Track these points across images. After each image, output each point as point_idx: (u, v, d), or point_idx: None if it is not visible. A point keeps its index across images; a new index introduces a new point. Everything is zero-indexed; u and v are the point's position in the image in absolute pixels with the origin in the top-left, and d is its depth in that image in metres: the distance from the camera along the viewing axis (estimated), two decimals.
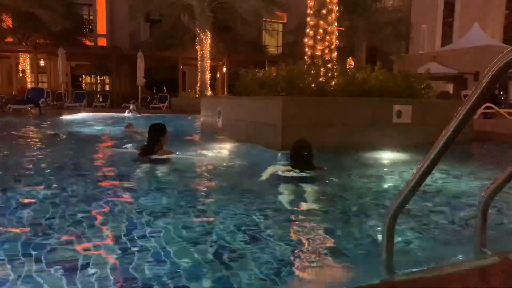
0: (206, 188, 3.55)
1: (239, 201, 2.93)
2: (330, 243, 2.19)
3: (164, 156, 4.47)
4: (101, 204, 2.72)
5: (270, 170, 3.80)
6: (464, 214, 2.71)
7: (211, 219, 2.48)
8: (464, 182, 3.86)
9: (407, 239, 2.16)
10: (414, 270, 1.60)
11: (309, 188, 3.42)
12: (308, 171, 3.73)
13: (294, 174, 3.67)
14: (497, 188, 1.70)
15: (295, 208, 2.81)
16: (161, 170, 4.18)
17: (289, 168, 3.76)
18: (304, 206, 2.87)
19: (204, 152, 5.39)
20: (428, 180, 1.42)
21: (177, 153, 4.69)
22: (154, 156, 4.41)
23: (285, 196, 3.19)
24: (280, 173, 3.74)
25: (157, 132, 4.52)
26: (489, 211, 1.77)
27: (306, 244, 2.16)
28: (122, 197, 3.02)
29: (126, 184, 3.45)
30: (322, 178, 3.77)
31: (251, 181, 3.66)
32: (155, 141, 4.47)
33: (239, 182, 3.74)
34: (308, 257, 1.98)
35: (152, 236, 2.09)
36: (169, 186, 3.44)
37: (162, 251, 1.90)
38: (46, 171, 4.10)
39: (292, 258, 1.93)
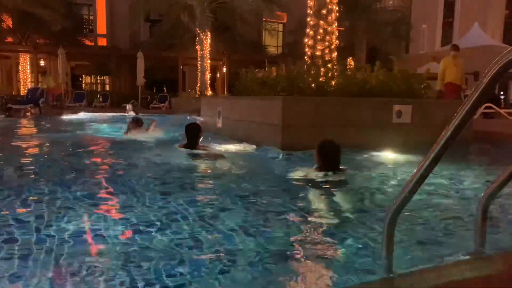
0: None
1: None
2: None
3: (202, 151, 5.09)
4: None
5: (298, 173, 3.74)
6: (463, 214, 2.71)
7: None
8: (463, 182, 3.86)
9: (407, 239, 2.16)
10: (414, 270, 1.60)
11: (345, 190, 3.41)
12: (335, 172, 3.65)
13: (324, 177, 3.61)
14: (497, 188, 1.70)
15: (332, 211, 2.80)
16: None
17: (317, 171, 3.65)
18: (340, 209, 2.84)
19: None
20: (427, 180, 1.42)
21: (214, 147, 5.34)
22: (195, 151, 5.03)
23: (321, 199, 3.15)
24: (311, 176, 3.66)
25: (197, 131, 5.20)
26: (489, 211, 1.77)
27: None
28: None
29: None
30: (352, 180, 3.74)
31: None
32: (196, 138, 5.12)
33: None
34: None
35: None
36: None
37: None
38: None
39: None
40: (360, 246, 2.09)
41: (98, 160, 5.16)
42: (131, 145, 6.03)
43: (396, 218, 1.51)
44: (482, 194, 1.75)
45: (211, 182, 3.81)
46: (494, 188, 1.71)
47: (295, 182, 3.66)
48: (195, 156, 4.92)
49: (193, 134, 5.13)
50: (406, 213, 2.51)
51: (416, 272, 1.57)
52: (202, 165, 4.73)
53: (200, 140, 5.21)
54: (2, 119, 12.33)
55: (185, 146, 5.11)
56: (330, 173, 3.60)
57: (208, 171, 4.50)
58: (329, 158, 3.64)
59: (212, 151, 5.24)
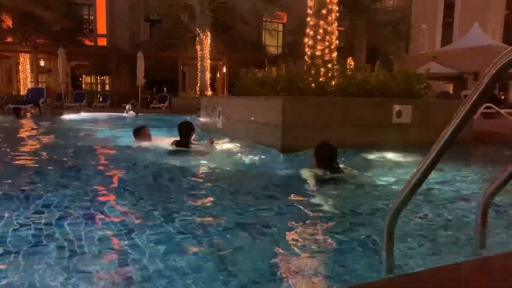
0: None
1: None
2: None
3: (195, 149, 5.25)
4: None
5: (305, 173, 3.73)
6: (463, 215, 2.71)
7: None
8: (463, 182, 3.86)
9: (407, 239, 2.16)
10: (414, 270, 1.60)
11: (344, 190, 3.41)
12: (334, 172, 3.67)
13: (322, 176, 3.61)
14: (497, 188, 1.70)
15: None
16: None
17: (320, 171, 3.67)
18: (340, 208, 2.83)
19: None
20: (427, 180, 1.42)
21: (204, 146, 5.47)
22: (189, 149, 5.20)
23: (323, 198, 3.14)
24: (309, 176, 3.65)
25: (190, 130, 5.38)
26: (489, 211, 1.77)
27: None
28: None
29: None
30: (351, 179, 3.72)
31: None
32: (188, 136, 5.29)
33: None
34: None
35: None
36: None
37: None
38: None
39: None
40: (359, 245, 2.09)
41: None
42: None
43: (397, 218, 1.50)
44: (482, 194, 1.75)
45: (201, 181, 3.81)
46: (494, 188, 1.71)
47: (293, 182, 3.66)
48: (185, 154, 5.08)
49: (185, 132, 5.29)
50: (406, 213, 2.51)
51: (417, 272, 1.57)
52: (192, 164, 4.70)
53: (193, 138, 5.38)
54: (13, 119, 12.17)
55: (178, 144, 5.26)
56: (328, 173, 3.61)
57: (198, 170, 4.47)
58: (325, 158, 3.69)
59: (203, 150, 5.32)
